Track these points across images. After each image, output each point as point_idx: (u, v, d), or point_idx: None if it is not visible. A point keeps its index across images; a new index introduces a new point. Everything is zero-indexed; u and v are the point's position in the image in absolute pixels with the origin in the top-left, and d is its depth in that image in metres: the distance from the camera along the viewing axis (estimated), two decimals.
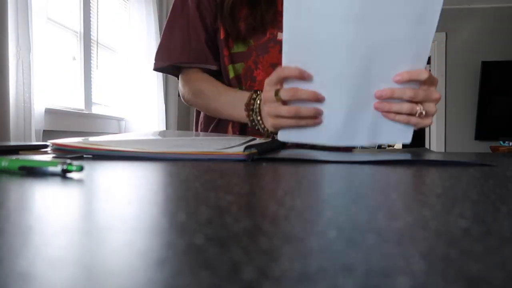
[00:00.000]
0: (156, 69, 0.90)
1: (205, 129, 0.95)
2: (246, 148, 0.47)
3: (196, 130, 0.99)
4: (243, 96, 0.75)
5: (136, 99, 2.68)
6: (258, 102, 0.71)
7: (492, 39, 3.89)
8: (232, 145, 0.51)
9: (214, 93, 0.84)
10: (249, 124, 0.73)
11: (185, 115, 3.25)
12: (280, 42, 0.83)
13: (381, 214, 0.17)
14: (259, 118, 0.71)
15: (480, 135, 3.88)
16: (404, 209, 0.18)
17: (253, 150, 0.48)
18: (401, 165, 0.43)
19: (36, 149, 0.58)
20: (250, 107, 0.72)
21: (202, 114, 0.97)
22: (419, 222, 0.16)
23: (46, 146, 0.57)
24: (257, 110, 0.71)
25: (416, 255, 0.11)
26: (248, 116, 0.72)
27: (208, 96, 0.84)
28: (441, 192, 0.24)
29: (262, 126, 0.71)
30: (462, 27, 3.89)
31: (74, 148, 0.48)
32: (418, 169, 0.40)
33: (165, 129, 2.91)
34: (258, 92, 0.72)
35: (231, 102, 0.80)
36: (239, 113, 0.76)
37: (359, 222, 0.16)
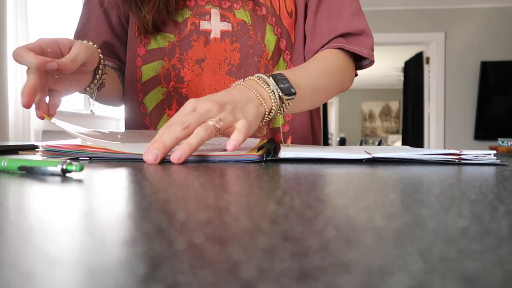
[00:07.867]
0: None
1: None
2: (259, 148, 0.46)
3: None
4: None
5: None
6: None
7: (491, 39, 3.89)
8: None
9: None
10: None
11: None
12: (204, 33, 0.71)
13: (378, 213, 0.17)
14: None
15: (479, 135, 3.88)
16: (402, 208, 0.18)
17: (265, 149, 0.46)
18: (400, 164, 0.42)
19: (32, 149, 0.58)
20: None
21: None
22: (417, 221, 0.16)
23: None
24: None
25: (414, 254, 0.11)
26: None
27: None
28: (440, 191, 0.24)
29: None
30: (461, 27, 3.88)
31: (68, 149, 0.46)
32: (419, 167, 0.40)
33: None
34: None
35: None
36: None
37: (357, 221, 0.16)
